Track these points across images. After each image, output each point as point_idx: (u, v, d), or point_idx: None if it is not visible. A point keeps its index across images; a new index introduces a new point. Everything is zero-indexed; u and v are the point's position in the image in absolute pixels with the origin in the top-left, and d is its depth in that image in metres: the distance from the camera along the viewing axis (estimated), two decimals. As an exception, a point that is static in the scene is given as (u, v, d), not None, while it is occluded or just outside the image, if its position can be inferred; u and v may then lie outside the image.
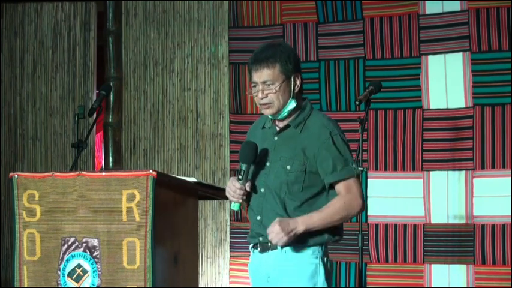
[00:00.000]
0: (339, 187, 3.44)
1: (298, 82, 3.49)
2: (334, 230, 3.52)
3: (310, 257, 3.46)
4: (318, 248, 3.48)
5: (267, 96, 3.44)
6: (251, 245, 3.56)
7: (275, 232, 3.33)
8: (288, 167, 3.44)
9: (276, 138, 3.52)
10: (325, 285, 3.49)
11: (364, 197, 3.47)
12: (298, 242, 3.41)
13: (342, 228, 3.59)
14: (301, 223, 3.37)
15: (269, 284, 3.48)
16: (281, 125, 3.53)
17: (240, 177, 3.40)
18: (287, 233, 3.34)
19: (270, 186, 3.45)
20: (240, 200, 3.44)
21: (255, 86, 3.48)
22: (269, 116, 3.52)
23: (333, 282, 6.11)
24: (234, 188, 3.42)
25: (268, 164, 3.48)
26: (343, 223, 3.56)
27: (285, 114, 3.48)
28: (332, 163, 3.43)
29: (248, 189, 3.45)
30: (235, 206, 3.46)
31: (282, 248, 3.42)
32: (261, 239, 3.46)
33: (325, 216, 3.42)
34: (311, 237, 3.45)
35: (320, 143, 3.46)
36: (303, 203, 3.46)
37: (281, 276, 3.44)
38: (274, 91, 3.43)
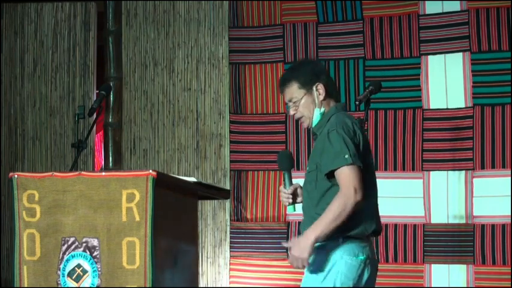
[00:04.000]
0: (336, 179, 3.64)
1: (321, 91, 3.79)
2: (349, 227, 3.66)
3: (329, 252, 3.64)
4: (334, 243, 3.65)
5: (296, 112, 3.81)
6: None
7: (293, 261, 3.57)
8: (308, 168, 3.77)
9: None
10: (341, 278, 3.63)
11: (355, 182, 3.58)
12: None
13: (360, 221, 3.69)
14: (309, 234, 3.56)
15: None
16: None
17: (284, 183, 3.85)
18: (301, 253, 3.54)
19: (304, 187, 3.77)
20: (290, 201, 3.85)
21: (287, 104, 3.86)
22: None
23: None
24: (281, 193, 3.87)
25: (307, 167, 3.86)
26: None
27: (317, 121, 3.81)
28: (324, 156, 3.66)
29: (290, 191, 3.84)
30: (289, 209, 3.90)
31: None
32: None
33: (324, 218, 3.57)
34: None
35: (322, 142, 3.69)
36: (321, 198, 3.68)
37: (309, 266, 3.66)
38: (300, 105, 3.79)
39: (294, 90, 3.80)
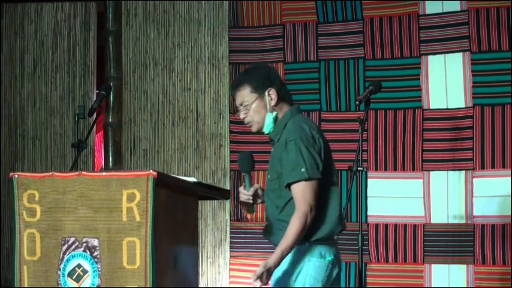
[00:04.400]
0: (292, 192, 3.70)
1: (273, 96, 3.78)
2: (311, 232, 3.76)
3: (296, 256, 3.72)
4: (302, 247, 3.72)
5: (246, 116, 3.80)
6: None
7: (256, 285, 3.63)
8: (269, 176, 3.80)
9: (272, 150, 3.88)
10: (311, 281, 3.73)
11: (310, 199, 3.66)
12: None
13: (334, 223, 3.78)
14: (269, 261, 3.63)
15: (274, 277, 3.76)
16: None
17: (245, 185, 3.83)
18: (259, 278, 3.58)
19: (267, 195, 3.79)
20: (251, 202, 3.84)
21: (238, 109, 3.85)
22: (259, 133, 3.87)
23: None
24: (241, 194, 3.85)
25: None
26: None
27: (270, 128, 3.81)
28: (284, 168, 3.71)
29: (251, 193, 3.82)
30: (249, 210, 3.91)
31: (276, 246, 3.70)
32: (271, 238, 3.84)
33: (284, 242, 3.64)
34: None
35: (280, 151, 3.74)
36: (285, 206, 3.75)
37: (278, 271, 3.72)
38: (251, 109, 3.78)
39: (245, 94, 3.80)
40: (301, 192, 3.66)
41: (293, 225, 3.63)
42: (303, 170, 3.67)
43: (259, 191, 3.86)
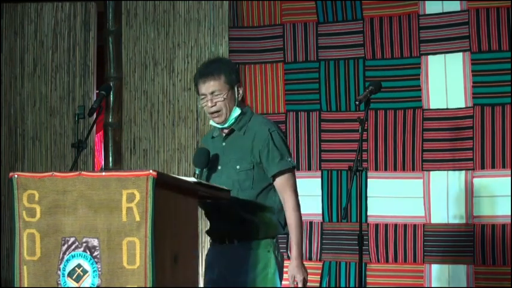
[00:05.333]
0: (277, 181, 3.85)
1: (240, 91, 3.95)
2: (282, 225, 3.93)
3: (263, 250, 3.85)
4: (269, 241, 3.83)
5: (216, 105, 3.86)
6: (210, 238, 4.01)
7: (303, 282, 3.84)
8: (238, 167, 3.84)
9: (224, 143, 3.93)
10: (276, 276, 3.87)
11: (296, 187, 3.89)
12: (251, 237, 3.83)
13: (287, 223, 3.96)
14: (296, 258, 3.83)
15: (224, 275, 3.88)
16: (227, 131, 3.96)
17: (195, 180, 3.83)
18: (304, 273, 3.85)
19: (223, 186, 3.76)
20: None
21: (203, 98, 3.90)
22: (218, 126, 3.92)
23: (333, 282, 6.13)
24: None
25: (219, 167, 3.90)
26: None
27: (232, 121, 3.90)
28: (272, 157, 3.82)
29: None
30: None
31: (237, 241, 3.84)
32: (219, 234, 3.88)
33: (295, 236, 3.82)
34: (262, 231, 3.85)
35: (262, 141, 3.84)
36: (256, 197, 3.86)
37: (236, 268, 3.85)
38: (222, 99, 3.85)
39: (220, 83, 3.87)
40: (291, 181, 3.85)
41: (293, 219, 3.80)
42: (289, 159, 3.86)
43: None
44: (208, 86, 3.86)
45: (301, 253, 3.82)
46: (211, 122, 3.98)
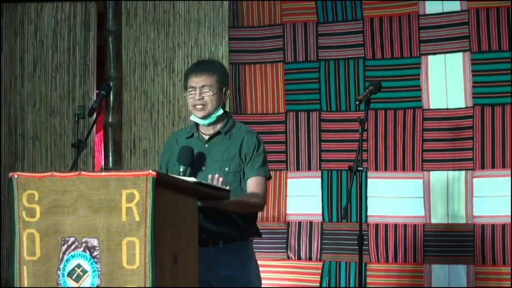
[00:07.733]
0: (252, 180, 3.99)
1: (227, 95, 4.09)
2: (257, 228, 4.15)
3: (247, 251, 4.04)
4: (251, 242, 4.09)
5: (203, 98, 3.98)
6: None
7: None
8: (226, 169, 3.98)
9: (206, 145, 4.04)
10: (258, 276, 4.06)
11: (265, 195, 4.09)
12: (237, 238, 3.97)
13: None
14: (223, 203, 3.83)
15: (216, 275, 3.97)
16: (209, 132, 4.08)
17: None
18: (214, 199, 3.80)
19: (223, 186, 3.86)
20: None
21: (191, 91, 4.02)
22: (199, 121, 4.02)
23: (333, 282, 6.13)
24: None
25: (204, 168, 3.99)
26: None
27: (213, 119, 4.02)
28: (255, 161, 4.01)
29: None
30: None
31: (222, 243, 3.95)
32: (204, 235, 3.88)
33: (238, 204, 3.90)
34: (247, 233, 4.03)
35: (250, 145, 4.01)
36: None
37: (224, 267, 3.95)
38: (211, 93, 3.98)
39: (212, 80, 4.00)
40: (264, 188, 4.02)
41: (254, 201, 3.93)
42: (267, 169, 4.07)
43: None
44: (200, 80, 4.00)
45: (225, 207, 3.81)
46: (192, 117, 4.07)
